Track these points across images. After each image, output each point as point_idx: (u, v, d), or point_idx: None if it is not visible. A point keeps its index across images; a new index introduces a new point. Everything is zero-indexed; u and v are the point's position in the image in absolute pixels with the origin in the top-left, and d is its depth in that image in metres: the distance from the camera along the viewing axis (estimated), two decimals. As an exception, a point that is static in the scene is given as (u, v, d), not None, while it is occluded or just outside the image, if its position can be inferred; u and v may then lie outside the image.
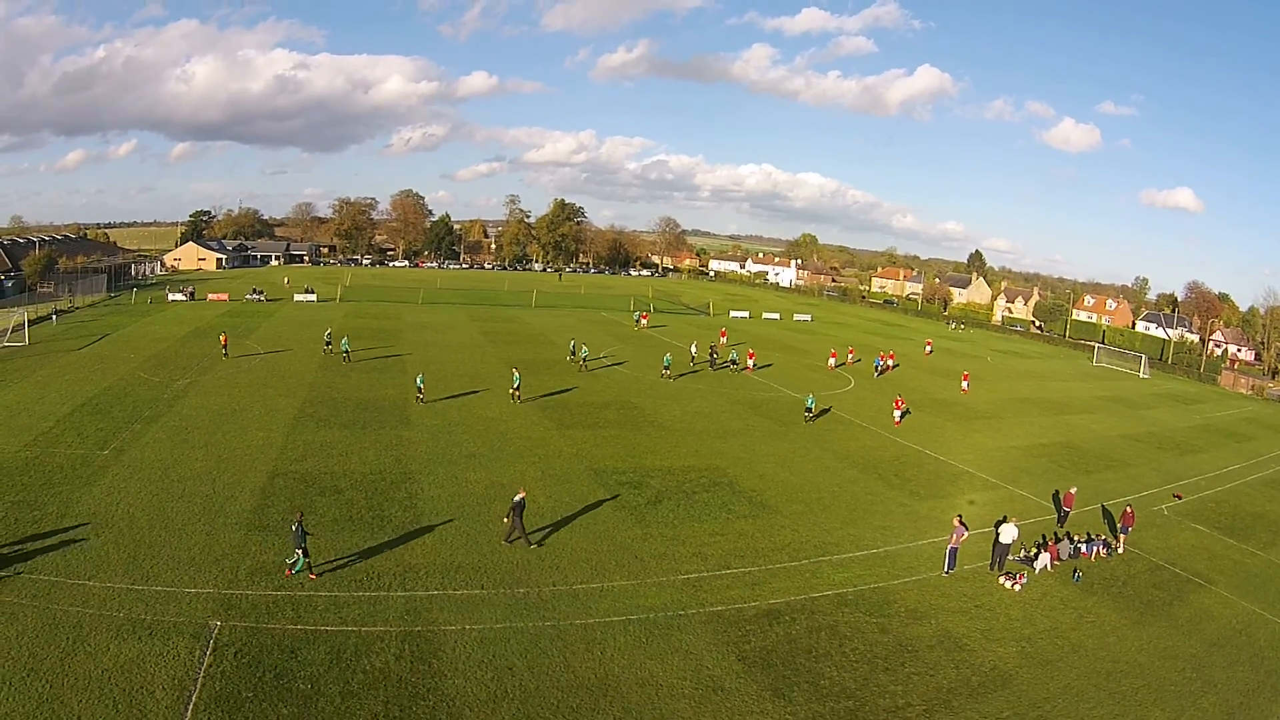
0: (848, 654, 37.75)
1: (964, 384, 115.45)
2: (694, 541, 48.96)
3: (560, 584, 41.79)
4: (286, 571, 40.19)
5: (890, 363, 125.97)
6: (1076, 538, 54.32)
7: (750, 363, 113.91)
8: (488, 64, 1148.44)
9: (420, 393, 77.40)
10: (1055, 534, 55.24)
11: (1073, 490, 62.08)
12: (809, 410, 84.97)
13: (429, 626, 36.31)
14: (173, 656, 31.94)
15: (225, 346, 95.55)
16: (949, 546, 48.49)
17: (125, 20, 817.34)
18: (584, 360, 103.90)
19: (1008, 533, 49.15)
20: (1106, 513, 62.30)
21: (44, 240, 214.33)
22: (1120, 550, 54.43)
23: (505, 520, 46.88)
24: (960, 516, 50.08)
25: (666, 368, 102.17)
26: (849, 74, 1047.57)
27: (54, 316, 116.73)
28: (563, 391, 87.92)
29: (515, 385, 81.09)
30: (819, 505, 58.16)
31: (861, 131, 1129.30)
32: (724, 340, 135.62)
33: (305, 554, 39.91)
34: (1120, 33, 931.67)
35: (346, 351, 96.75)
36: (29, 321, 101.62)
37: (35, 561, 39.13)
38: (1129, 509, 56.52)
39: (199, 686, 30.24)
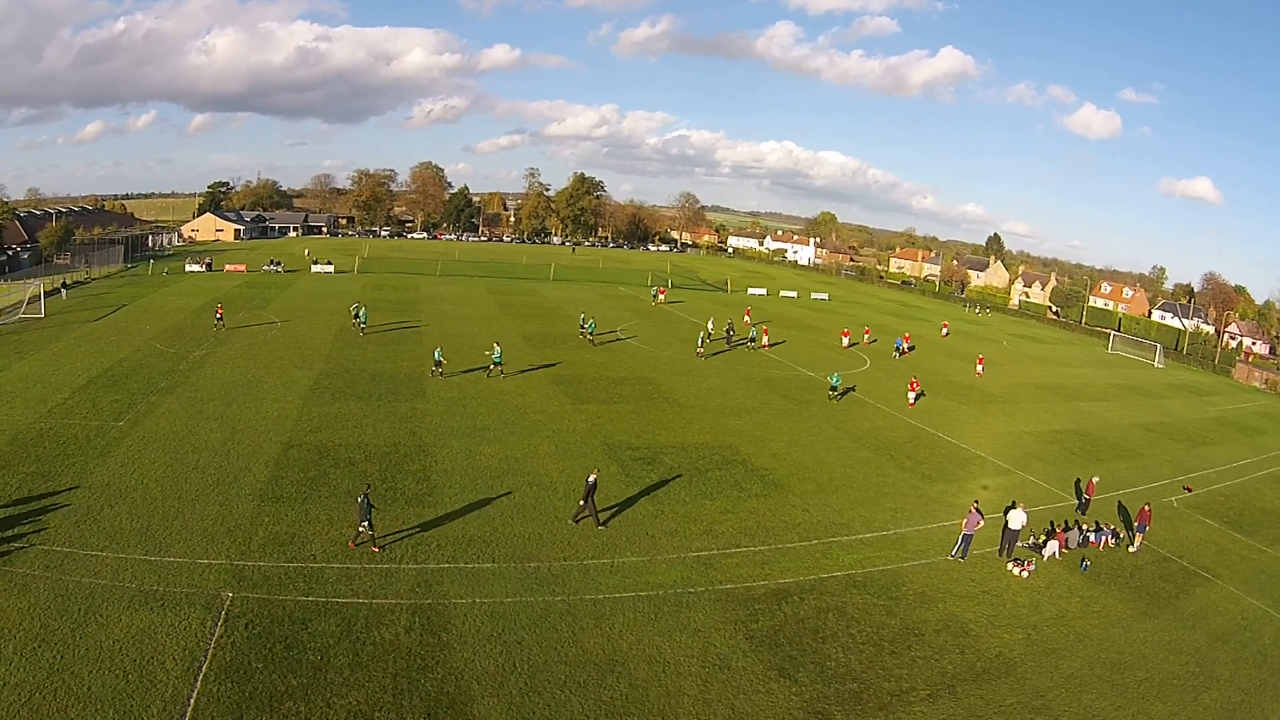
0: (854, 636, 37.98)
1: (979, 367, 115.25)
2: (705, 519, 49.20)
3: (571, 559, 42.07)
4: (376, 548, 40.91)
5: (907, 345, 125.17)
6: (1085, 526, 54.39)
7: (765, 339, 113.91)
8: (510, 37, 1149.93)
9: (439, 366, 77.31)
10: (1065, 522, 55.15)
11: (1095, 479, 62.43)
12: (834, 389, 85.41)
13: (439, 599, 36.63)
14: (184, 627, 32.25)
15: (220, 317, 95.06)
16: (963, 532, 48.62)
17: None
18: (591, 334, 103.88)
19: (1016, 518, 49.29)
20: (1123, 509, 61.89)
21: (61, 212, 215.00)
22: (1135, 548, 54.11)
23: (581, 503, 46.88)
24: (976, 503, 50.26)
25: (701, 346, 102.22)
26: (872, 54, 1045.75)
27: (63, 290, 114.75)
28: (571, 366, 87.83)
29: (496, 361, 79.80)
30: (831, 485, 58.32)
31: (883, 112, 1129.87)
32: (748, 319, 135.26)
33: (370, 526, 40.34)
34: (1143, 20, 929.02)
35: (363, 322, 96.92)
36: (49, 291, 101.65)
37: (49, 532, 39.46)
38: (1147, 507, 56.02)
39: (209, 657, 30.55)
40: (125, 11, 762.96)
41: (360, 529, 40.44)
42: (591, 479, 46.61)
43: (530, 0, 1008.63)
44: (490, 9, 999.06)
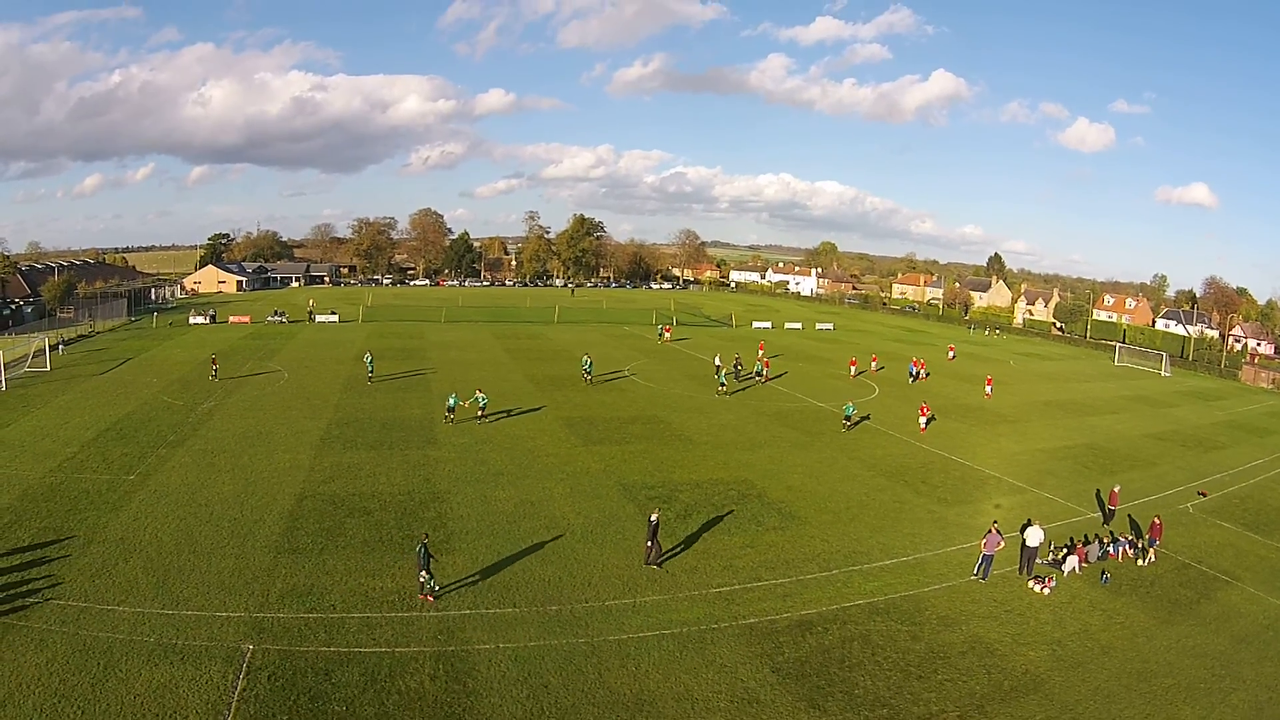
0: (880, 663, 37.72)
1: (988, 388, 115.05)
2: (724, 554, 48.89)
3: (592, 600, 41.82)
4: (428, 597, 40.72)
5: (923, 371, 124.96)
6: (1105, 540, 54.23)
7: (765, 371, 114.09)
8: (505, 81, 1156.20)
9: (452, 412, 77.32)
10: (1084, 536, 55.03)
11: (1116, 489, 62.44)
12: (847, 419, 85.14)
13: (462, 646, 36.35)
14: (206, 681, 32.04)
15: (215, 368, 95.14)
16: (983, 553, 48.44)
17: (141, 45, 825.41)
18: (590, 374, 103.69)
19: (1034, 535, 49.21)
20: (1134, 524, 61.25)
21: (62, 265, 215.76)
22: (1150, 562, 53.47)
23: (648, 545, 46.88)
24: (995, 523, 50.16)
25: (723, 384, 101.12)
26: (864, 81, 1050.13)
27: (60, 347, 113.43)
28: (580, 407, 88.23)
29: (481, 407, 79.61)
30: (848, 515, 58.05)
31: (878, 138, 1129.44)
32: (762, 353, 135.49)
33: (430, 575, 40.49)
34: (1131, 31, 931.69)
35: (371, 371, 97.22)
36: (50, 347, 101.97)
37: (64, 587, 39.41)
38: (1157, 519, 55.91)
39: (233, 710, 30.34)
40: (121, 64, 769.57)
41: (421, 579, 40.46)
42: (653, 518, 46.66)
43: (523, 44, 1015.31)
44: (483, 54, 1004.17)
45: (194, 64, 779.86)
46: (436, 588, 41.03)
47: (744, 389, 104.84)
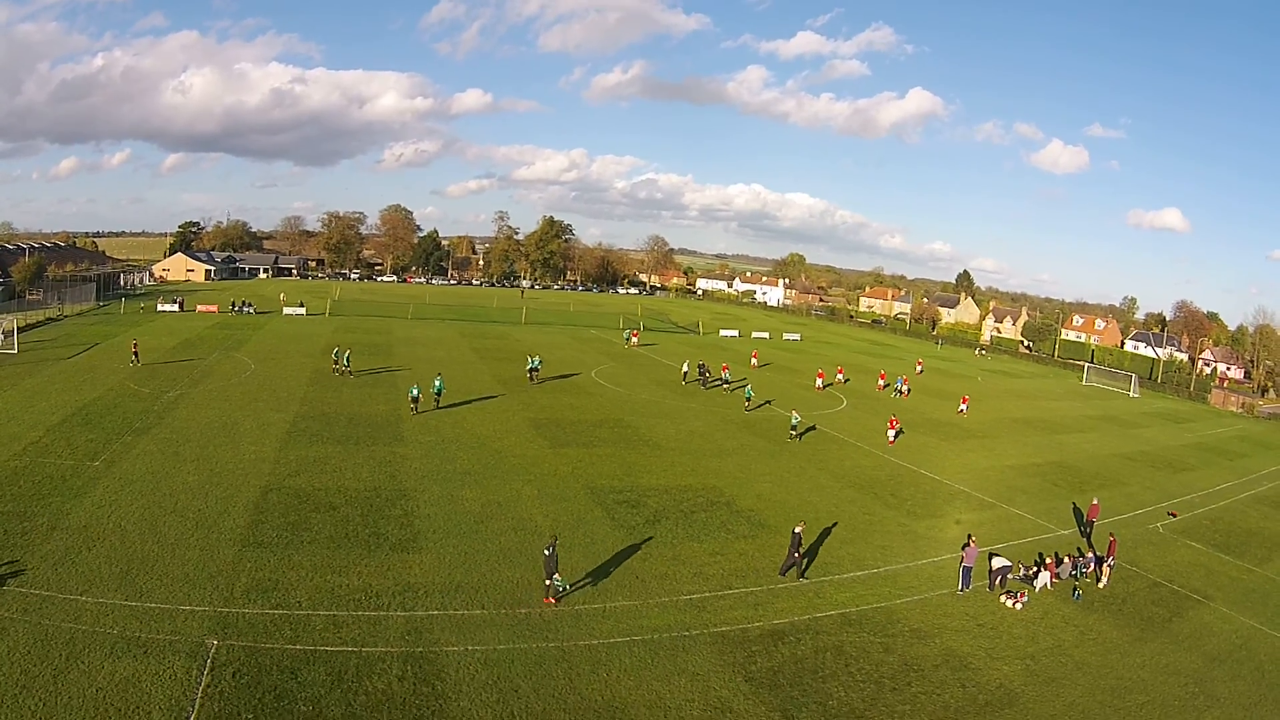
0: (854, 674, 37.50)
1: (962, 406, 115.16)
2: (694, 561, 48.58)
3: (562, 604, 41.26)
4: (550, 599, 40.99)
5: (905, 388, 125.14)
6: (1080, 560, 54.26)
7: (725, 375, 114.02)
8: (483, 82, 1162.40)
9: (415, 403, 78.09)
10: (1055, 553, 54.96)
11: (1095, 501, 63.31)
12: (794, 428, 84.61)
13: (430, 647, 35.79)
14: (169, 676, 31.35)
15: (136, 353, 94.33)
16: (962, 565, 48.83)
17: (126, 29, 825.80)
18: (538, 370, 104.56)
19: (997, 561, 49.67)
20: (1091, 544, 61.53)
21: (33, 247, 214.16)
22: (1104, 582, 53.08)
23: (795, 555, 47.30)
24: (971, 536, 50.25)
25: (749, 399, 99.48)
26: (841, 96, 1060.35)
27: (5, 336, 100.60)
28: (548, 409, 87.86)
29: (437, 392, 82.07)
30: (817, 525, 57.57)
31: (852, 153, 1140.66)
32: (755, 362, 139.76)
33: (562, 578, 40.86)
34: (1109, 56, 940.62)
35: (348, 366, 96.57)
36: (19, 329, 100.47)
37: (26, 575, 38.58)
38: (1112, 537, 56.30)
39: (197, 707, 29.67)
40: (105, 48, 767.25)
41: (549, 581, 40.52)
42: (798, 530, 47.44)
43: (503, 45, 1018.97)
44: (464, 54, 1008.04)
45: (177, 51, 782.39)
46: (554, 588, 41.07)
47: (767, 402, 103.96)
